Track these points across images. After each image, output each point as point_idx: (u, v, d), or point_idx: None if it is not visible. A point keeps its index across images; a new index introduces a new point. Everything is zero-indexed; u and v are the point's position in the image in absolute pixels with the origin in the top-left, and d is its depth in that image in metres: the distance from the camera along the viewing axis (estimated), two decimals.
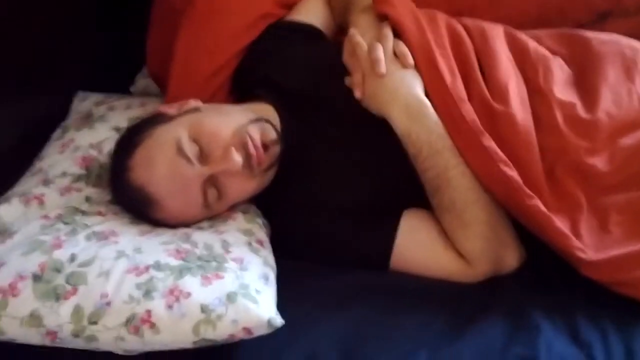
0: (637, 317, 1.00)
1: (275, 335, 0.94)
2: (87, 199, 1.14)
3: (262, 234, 1.13)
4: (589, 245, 1.05)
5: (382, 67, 1.14)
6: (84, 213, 1.10)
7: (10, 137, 1.36)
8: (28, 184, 1.16)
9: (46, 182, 1.15)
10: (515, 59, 1.22)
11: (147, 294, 0.94)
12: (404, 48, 1.17)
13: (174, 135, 1.09)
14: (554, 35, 1.30)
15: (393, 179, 1.17)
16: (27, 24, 1.39)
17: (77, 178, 1.17)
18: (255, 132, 1.12)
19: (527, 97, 1.16)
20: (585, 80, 1.19)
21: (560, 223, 1.06)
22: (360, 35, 1.20)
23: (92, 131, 1.27)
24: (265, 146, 1.13)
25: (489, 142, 1.08)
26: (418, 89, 1.14)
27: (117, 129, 1.27)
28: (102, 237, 1.03)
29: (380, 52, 1.15)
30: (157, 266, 0.98)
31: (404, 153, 1.12)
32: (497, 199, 1.10)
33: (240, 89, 1.34)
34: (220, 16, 1.34)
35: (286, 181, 1.19)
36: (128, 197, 1.11)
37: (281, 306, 0.98)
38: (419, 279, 1.12)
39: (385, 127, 1.13)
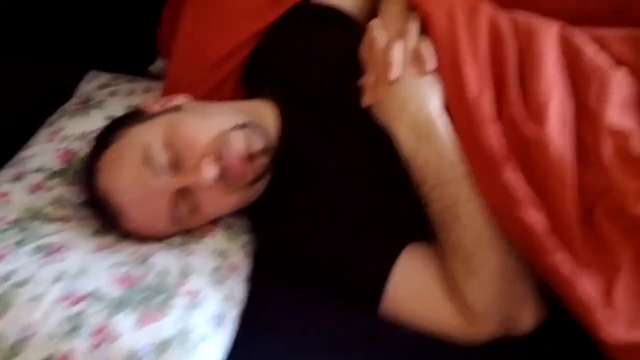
0: None
1: None
2: (56, 200, 1.03)
3: (239, 257, 0.99)
4: (622, 318, 0.83)
5: (394, 73, 0.95)
6: (45, 218, 0.99)
7: (26, 107, 1.28)
8: (3, 176, 1.07)
9: (19, 177, 1.06)
10: (566, 67, 0.98)
11: (74, 330, 0.83)
12: (426, 49, 0.97)
13: (145, 139, 0.96)
14: (628, 38, 1.04)
15: (402, 197, 0.98)
16: None
17: (53, 174, 1.07)
18: (238, 140, 0.97)
19: (571, 118, 0.93)
20: None
21: (589, 283, 0.85)
22: (383, 26, 1.01)
23: (85, 119, 1.17)
24: (251, 156, 0.98)
25: (510, 175, 0.88)
26: (433, 102, 0.94)
27: (111, 119, 1.15)
28: (50, 251, 0.92)
29: (397, 52, 0.96)
30: (95, 295, 0.86)
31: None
32: (514, 246, 0.90)
33: (251, 79, 1.18)
34: None
35: (283, 188, 1.04)
36: (94, 203, 1.00)
37: (256, 338, 0.87)
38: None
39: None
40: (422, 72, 0.96)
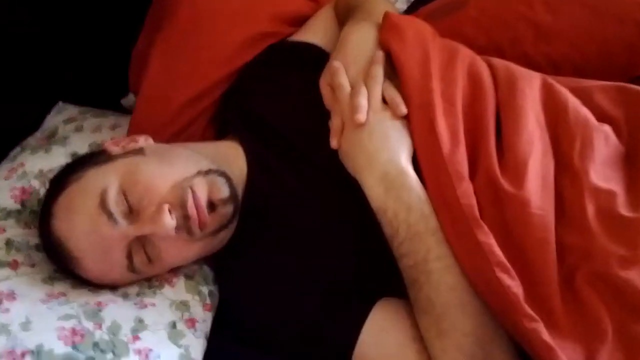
0: None
1: None
2: (7, 243, 0.97)
3: (198, 309, 0.93)
4: None
5: (362, 115, 0.91)
6: None
7: None
8: None
9: None
10: (548, 121, 0.94)
11: None
12: (394, 94, 0.93)
13: (101, 183, 0.90)
14: (612, 90, 1.00)
15: (373, 252, 0.92)
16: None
17: (7, 214, 1.02)
18: (201, 188, 0.91)
19: (552, 177, 0.88)
20: None
21: (570, 354, 0.79)
22: (346, 64, 0.97)
23: (47, 155, 1.12)
24: (213, 205, 0.92)
25: (486, 238, 0.83)
26: (403, 153, 0.90)
27: (73, 156, 1.10)
28: None
29: (362, 98, 0.92)
30: (38, 353, 0.80)
31: None
32: (490, 309, 0.84)
33: (222, 118, 1.13)
34: (206, 32, 1.14)
35: (248, 240, 0.98)
36: (49, 247, 0.94)
37: None
38: None
39: None
40: (394, 114, 0.91)
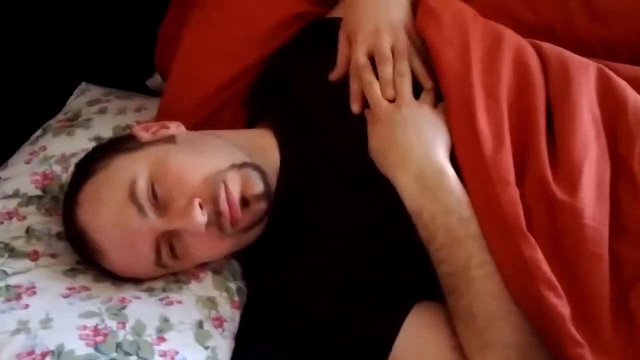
0: None
1: None
2: (27, 232, 0.93)
3: (226, 307, 0.89)
4: None
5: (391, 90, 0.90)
6: (11, 253, 0.89)
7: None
8: None
9: None
10: (605, 119, 0.87)
11: None
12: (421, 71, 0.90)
13: (131, 173, 0.85)
14: None
15: (410, 253, 0.87)
16: None
17: (28, 201, 0.97)
18: (234, 182, 0.86)
19: (608, 183, 0.82)
20: None
21: None
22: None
23: (70, 139, 1.07)
24: (246, 201, 0.87)
25: (532, 252, 0.77)
26: (440, 150, 0.84)
27: (97, 140, 1.05)
28: (13, 294, 0.82)
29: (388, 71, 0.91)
30: (58, 354, 0.76)
31: None
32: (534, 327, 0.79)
33: (254, 103, 1.07)
34: (240, 13, 1.07)
35: (278, 234, 0.93)
36: (72, 237, 0.90)
37: None
38: None
39: None
40: (429, 110, 0.88)
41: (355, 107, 0.92)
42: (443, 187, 0.82)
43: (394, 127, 0.87)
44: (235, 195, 0.85)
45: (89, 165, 0.90)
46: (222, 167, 0.87)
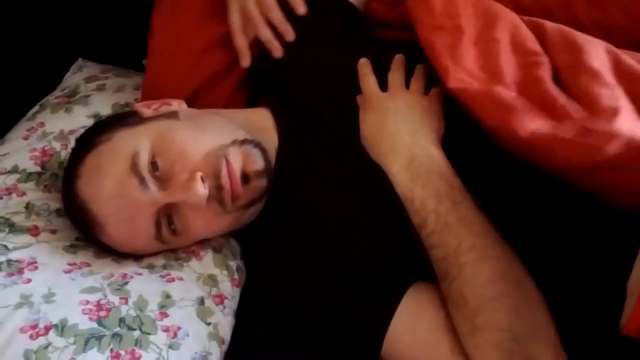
0: None
1: None
2: (27, 207, 0.93)
3: (226, 285, 0.89)
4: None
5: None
6: (12, 228, 0.89)
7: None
8: None
9: None
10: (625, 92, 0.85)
11: None
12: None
13: (133, 145, 0.85)
14: None
15: (406, 237, 0.87)
16: None
17: (27, 177, 0.97)
18: (236, 158, 0.86)
19: None
20: None
21: None
22: None
23: (68, 115, 1.06)
24: (247, 177, 0.87)
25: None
26: (431, 134, 0.86)
27: (96, 117, 1.05)
28: (15, 268, 0.82)
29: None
30: (62, 328, 0.76)
31: None
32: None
33: (253, 86, 1.07)
34: None
35: (276, 216, 0.93)
36: (72, 211, 0.90)
37: None
38: None
39: None
40: (420, 97, 0.89)
41: (277, 53, 0.98)
42: (433, 173, 0.83)
43: (385, 115, 0.88)
44: (237, 170, 0.86)
45: (90, 139, 0.90)
46: (224, 142, 0.87)
